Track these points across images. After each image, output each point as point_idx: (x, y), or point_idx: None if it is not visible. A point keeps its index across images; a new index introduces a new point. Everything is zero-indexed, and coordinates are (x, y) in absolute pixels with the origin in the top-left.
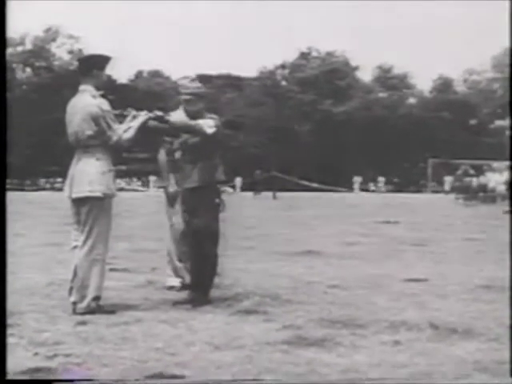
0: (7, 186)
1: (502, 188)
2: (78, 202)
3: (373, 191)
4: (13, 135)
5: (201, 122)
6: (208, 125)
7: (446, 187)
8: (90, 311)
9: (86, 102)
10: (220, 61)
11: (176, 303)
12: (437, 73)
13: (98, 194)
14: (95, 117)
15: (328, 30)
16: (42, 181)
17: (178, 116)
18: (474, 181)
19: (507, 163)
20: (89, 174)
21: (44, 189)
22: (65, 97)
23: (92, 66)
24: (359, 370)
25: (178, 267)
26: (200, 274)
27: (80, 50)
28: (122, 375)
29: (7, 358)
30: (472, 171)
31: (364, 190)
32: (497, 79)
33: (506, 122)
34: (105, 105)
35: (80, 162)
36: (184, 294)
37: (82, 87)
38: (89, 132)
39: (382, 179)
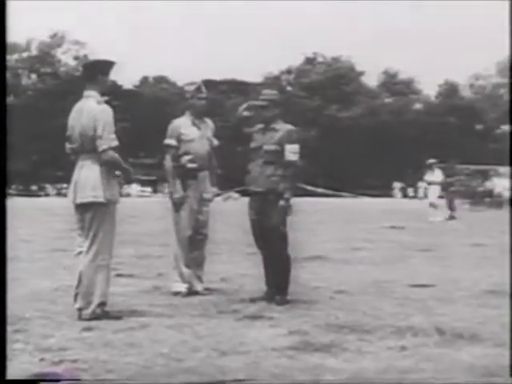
0: (13, 192)
1: (508, 193)
2: (82, 208)
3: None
4: (18, 141)
5: (287, 147)
6: (291, 151)
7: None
8: (95, 317)
9: (91, 108)
10: (225, 66)
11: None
12: (443, 78)
13: (102, 200)
14: (99, 123)
15: (333, 35)
16: (48, 186)
17: (183, 122)
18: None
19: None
20: (92, 179)
21: (50, 194)
22: (70, 103)
23: (97, 71)
24: (366, 376)
25: (184, 273)
26: (275, 275)
27: (85, 56)
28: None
29: (9, 361)
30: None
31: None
32: (503, 84)
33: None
34: (108, 112)
35: (84, 167)
36: (191, 300)
37: (86, 93)
38: (91, 137)
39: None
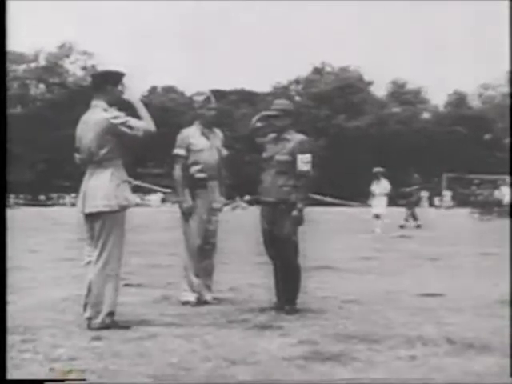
0: (21, 202)
1: None
2: (92, 217)
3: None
4: (26, 151)
5: (299, 157)
6: (303, 161)
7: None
8: (104, 327)
9: (98, 118)
10: (234, 76)
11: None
12: (451, 88)
13: (113, 208)
14: (110, 129)
15: (342, 45)
16: (56, 196)
17: (192, 132)
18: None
19: None
20: (103, 188)
21: (58, 204)
22: (78, 113)
23: (106, 81)
24: None
25: (194, 282)
26: (285, 284)
27: (93, 66)
28: None
29: (18, 370)
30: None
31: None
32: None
33: None
34: (116, 113)
35: (93, 176)
36: (200, 309)
37: (94, 102)
38: (104, 150)
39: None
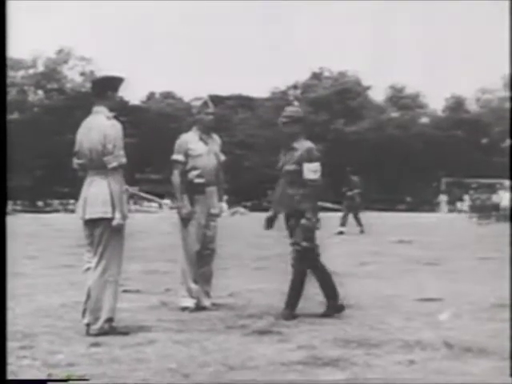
0: (19, 208)
1: None
2: (91, 224)
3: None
4: (24, 157)
5: (306, 165)
6: (311, 169)
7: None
8: (103, 332)
9: (100, 123)
10: (232, 82)
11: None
12: (449, 92)
13: (112, 215)
14: (108, 138)
15: (340, 50)
16: (55, 202)
17: (190, 137)
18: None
19: None
20: (102, 195)
21: (56, 210)
22: (77, 118)
23: (106, 87)
24: None
25: (192, 288)
26: (290, 290)
27: (92, 72)
28: None
29: (17, 377)
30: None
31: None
32: (509, 98)
33: None
34: (117, 127)
35: (93, 183)
36: (199, 315)
37: (95, 108)
38: (101, 153)
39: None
